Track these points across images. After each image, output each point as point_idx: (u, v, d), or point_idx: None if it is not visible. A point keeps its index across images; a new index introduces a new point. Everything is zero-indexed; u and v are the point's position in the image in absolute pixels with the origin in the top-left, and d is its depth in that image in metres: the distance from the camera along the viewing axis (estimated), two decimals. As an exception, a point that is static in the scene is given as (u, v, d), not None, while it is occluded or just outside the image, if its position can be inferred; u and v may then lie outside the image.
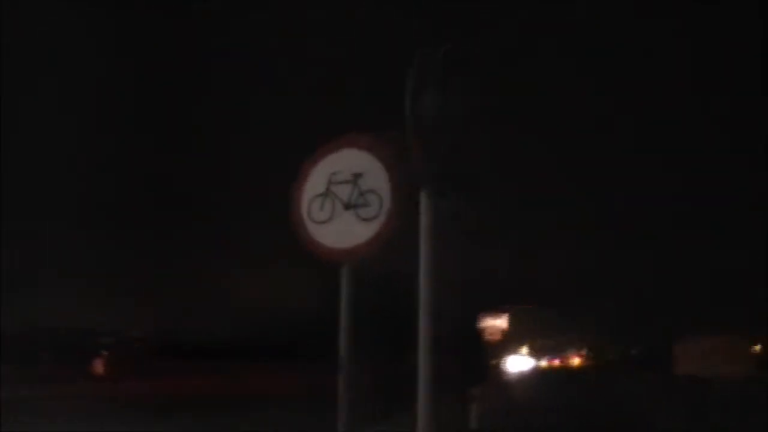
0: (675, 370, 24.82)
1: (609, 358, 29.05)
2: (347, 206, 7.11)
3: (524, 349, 25.97)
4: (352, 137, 7.25)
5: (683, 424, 15.17)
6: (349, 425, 6.86)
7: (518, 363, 25.34)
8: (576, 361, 29.39)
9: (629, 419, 15.20)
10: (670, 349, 26.58)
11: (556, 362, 28.90)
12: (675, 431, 14.84)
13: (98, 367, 23.29)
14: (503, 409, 15.48)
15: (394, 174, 7.04)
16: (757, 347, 27.49)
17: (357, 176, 7.13)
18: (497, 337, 21.13)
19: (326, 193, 7.16)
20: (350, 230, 7.08)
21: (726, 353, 25.28)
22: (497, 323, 20.93)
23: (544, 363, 28.05)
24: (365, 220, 7.06)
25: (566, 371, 27.41)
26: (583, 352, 29.51)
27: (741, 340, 26.73)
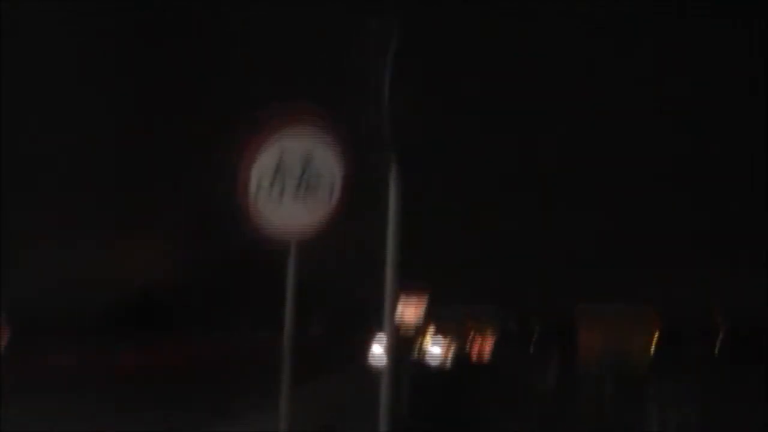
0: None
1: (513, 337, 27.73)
2: (297, 187, 7.06)
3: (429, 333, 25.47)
4: (307, 118, 7.21)
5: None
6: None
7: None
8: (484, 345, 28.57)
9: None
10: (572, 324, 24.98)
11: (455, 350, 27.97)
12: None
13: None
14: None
15: (346, 158, 7.03)
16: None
17: (309, 158, 7.10)
18: (413, 320, 20.80)
19: (277, 172, 7.10)
20: (298, 211, 7.03)
21: (631, 328, 24.08)
22: (413, 305, 20.52)
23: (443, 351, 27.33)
24: (314, 202, 7.03)
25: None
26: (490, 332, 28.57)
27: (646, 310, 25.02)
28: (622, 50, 18.62)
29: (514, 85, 17.79)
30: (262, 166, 7.07)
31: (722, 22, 15.18)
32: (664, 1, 16.31)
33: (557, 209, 20.17)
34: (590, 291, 21.05)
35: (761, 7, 14.43)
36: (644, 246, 20.50)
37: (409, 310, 18.72)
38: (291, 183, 7.00)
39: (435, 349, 25.87)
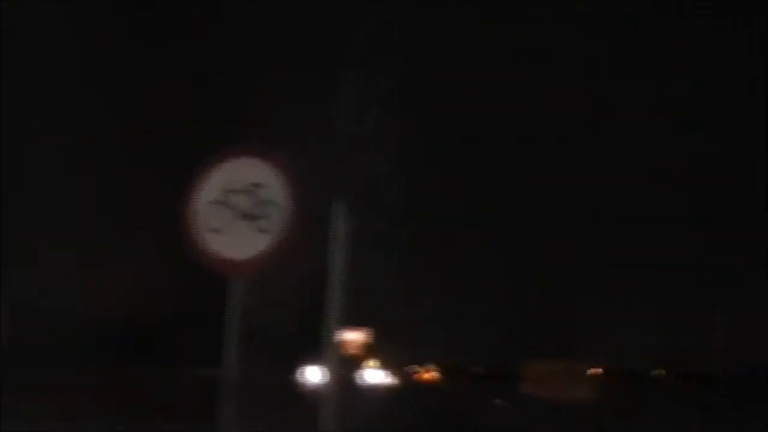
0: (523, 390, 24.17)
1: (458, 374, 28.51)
2: (244, 216, 7.02)
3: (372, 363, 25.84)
4: (252, 146, 7.18)
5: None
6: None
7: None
8: (428, 375, 29.08)
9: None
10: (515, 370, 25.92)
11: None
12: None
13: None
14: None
15: (293, 186, 6.99)
16: (593, 370, 27.26)
17: (255, 186, 7.05)
18: (356, 350, 21.26)
19: (222, 202, 7.06)
20: (245, 241, 6.98)
21: (566, 376, 25.19)
22: (356, 336, 21.02)
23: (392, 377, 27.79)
24: (261, 231, 6.98)
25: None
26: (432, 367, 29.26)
27: (578, 364, 26.52)
28: (622, 50, 18.49)
29: (514, 84, 17.74)
30: (205, 195, 7.05)
31: (722, 22, 15.06)
32: (664, 1, 16.20)
33: (557, 209, 20.12)
34: (589, 290, 21.16)
35: (761, 7, 14.31)
36: (643, 245, 20.46)
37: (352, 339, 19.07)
38: (237, 211, 6.99)
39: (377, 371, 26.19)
